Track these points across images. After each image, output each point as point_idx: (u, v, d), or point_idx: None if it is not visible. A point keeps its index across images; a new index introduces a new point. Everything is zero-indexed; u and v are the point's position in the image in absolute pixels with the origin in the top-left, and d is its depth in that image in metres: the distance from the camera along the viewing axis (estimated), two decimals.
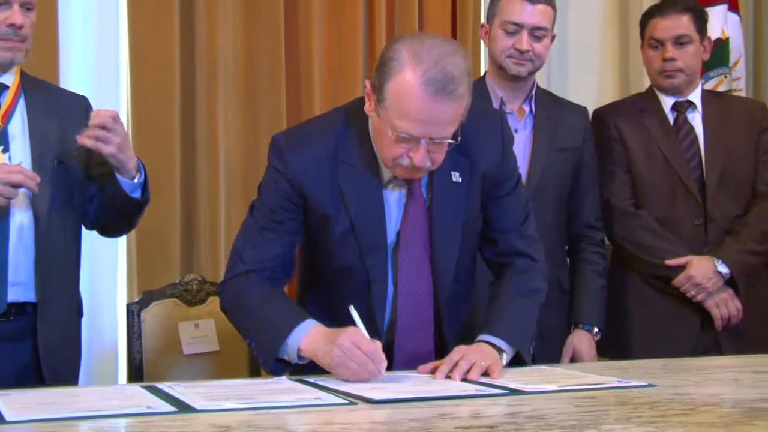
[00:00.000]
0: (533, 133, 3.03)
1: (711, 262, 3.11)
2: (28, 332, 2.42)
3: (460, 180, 2.34)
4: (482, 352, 2.18)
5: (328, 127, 2.35)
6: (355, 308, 2.12)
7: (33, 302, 2.43)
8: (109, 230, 2.70)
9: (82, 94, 2.74)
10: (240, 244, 2.36)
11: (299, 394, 1.84)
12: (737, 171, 3.20)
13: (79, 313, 2.65)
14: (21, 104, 2.49)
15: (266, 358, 2.18)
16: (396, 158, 2.18)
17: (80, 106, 2.63)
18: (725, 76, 4.17)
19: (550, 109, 3.08)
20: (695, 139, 3.23)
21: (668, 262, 3.12)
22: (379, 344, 2.03)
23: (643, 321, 3.19)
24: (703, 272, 3.09)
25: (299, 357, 2.14)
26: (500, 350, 2.23)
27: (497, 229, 2.45)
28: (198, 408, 1.67)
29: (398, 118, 2.12)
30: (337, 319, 2.19)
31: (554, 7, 3.00)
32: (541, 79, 3.15)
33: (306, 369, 2.18)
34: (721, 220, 3.18)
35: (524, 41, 2.93)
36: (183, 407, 1.68)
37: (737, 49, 4.25)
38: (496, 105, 3.03)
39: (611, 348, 3.11)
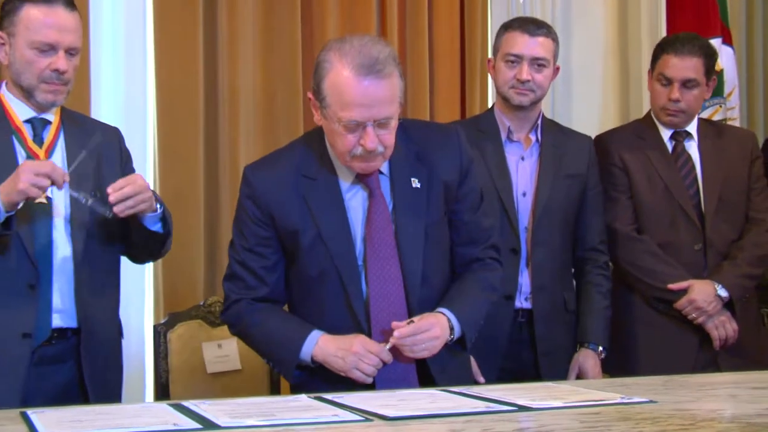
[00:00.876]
0: (539, 161, 3.04)
1: (712, 287, 3.11)
2: (71, 354, 2.45)
3: (419, 186, 2.42)
4: (439, 332, 2.33)
5: (290, 150, 2.50)
6: (334, 313, 2.37)
7: (74, 327, 2.45)
8: (138, 259, 2.76)
9: (113, 125, 2.78)
10: (227, 287, 2.49)
11: (317, 411, 1.84)
12: (732, 197, 3.21)
13: (120, 334, 2.67)
14: (61, 138, 2.52)
15: (286, 374, 2.41)
16: (350, 150, 2.27)
17: (113, 137, 2.69)
18: (720, 106, 4.18)
19: (556, 137, 3.09)
20: (693, 167, 3.23)
21: (671, 286, 3.12)
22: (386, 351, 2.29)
23: (644, 340, 3.19)
24: (704, 296, 3.09)
25: (313, 362, 2.36)
26: (452, 329, 2.38)
27: (462, 243, 2.53)
28: (222, 425, 1.67)
29: (341, 110, 2.23)
30: (319, 326, 2.37)
31: (555, 40, 3.01)
32: (546, 107, 3.16)
33: (320, 384, 2.30)
34: (719, 245, 3.19)
35: (524, 72, 2.94)
36: (207, 424, 1.68)
37: (731, 80, 4.27)
38: (503, 134, 3.05)
39: (614, 366, 3.10)
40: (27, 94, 2.47)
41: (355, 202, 2.40)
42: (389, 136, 2.29)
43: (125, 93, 3.67)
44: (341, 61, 2.23)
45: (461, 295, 2.48)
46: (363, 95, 2.21)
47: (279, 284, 2.47)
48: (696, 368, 3.06)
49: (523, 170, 3.03)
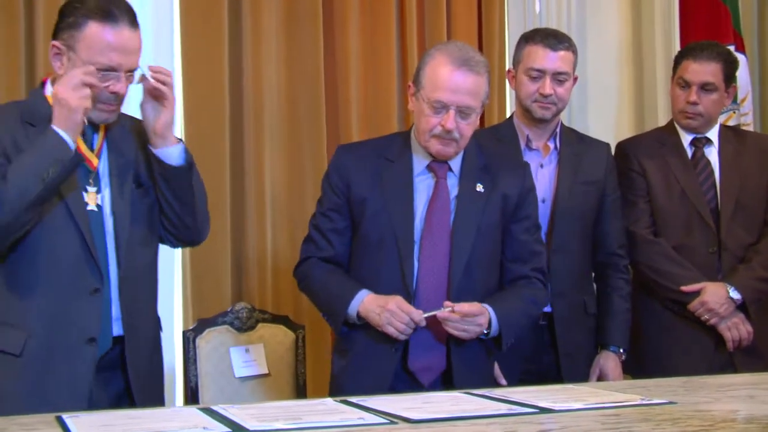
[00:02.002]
0: (558, 168, 3.03)
1: (724, 289, 3.09)
2: (118, 362, 2.41)
3: (482, 191, 2.63)
4: (484, 322, 2.51)
5: (380, 139, 2.85)
6: (387, 278, 2.55)
7: (120, 335, 2.41)
8: (179, 230, 2.55)
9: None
10: (302, 248, 2.74)
11: (343, 414, 1.83)
12: (750, 202, 3.20)
13: (159, 328, 2.63)
14: (105, 143, 2.46)
15: (336, 326, 2.62)
16: (431, 129, 2.53)
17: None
18: (734, 112, 4.16)
19: (574, 145, 3.08)
20: (711, 172, 3.23)
21: (684, 288, 3.11)
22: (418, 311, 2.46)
23: (661, 342, 3.18)
24: (716, 298, 3.08)
25: (358, 318, 2.55)
26: (489, 326, 2.54)
27: (513, 259, 2.70)
28: (250, 428, 1.67)
29: (432, 91, 2.51)
30: (374, 288, 2.57)
31: (575, 52, 3.00)
32: (562, 116, 3.15)
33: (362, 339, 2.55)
34: (734, 249, 3.18)
35: (547, 86, 2.93)
36: (236, 428, 1.68)
37: (745, 87, 4.24)
38: (522, 143, 3.06)
39: (633, 367, 3.08)
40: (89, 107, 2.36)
41: (423, 185, 2.62)
42: (467, 127, 2.56)
43: None
44: (442, 53, 2.55)
45: (506, 299, 2.63)
46: (453, 81, 2.50)
47: (344, 249, 2.68)
48: (713, 369, 3.03)
49: (542, 177, 3.02)
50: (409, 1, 4.04)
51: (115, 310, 2.39)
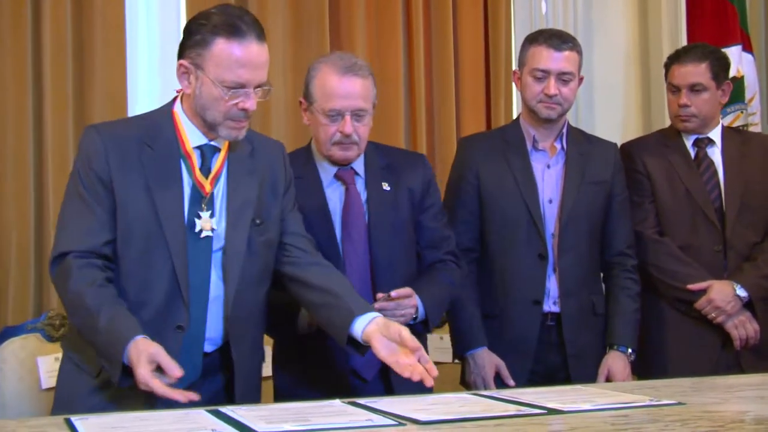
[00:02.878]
0: (565, 168, 3.02)
1: (730, 287, 3.09)
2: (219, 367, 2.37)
3: (389, 189, 2.73)
4: (416, 303, 2.60)
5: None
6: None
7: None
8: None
9: (278, 140, 2.64)
10: None
11: (351, 416, 1.83)
12: (754, 202, 3.20)
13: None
14: (226, 167, 2.36)
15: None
16: (331, 137, 2.61)
17: (277, 154, 2.52)
18: (741, 112, 4.15)
19: (581, 145, 3.08)
20: (715, 172, 3.23)
21: (690, 286, 3.11)
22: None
23: (667, 341, 3.17)
24: (722, 296, 3.07)
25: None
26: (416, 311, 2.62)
27: (426, 246, 2.81)
28: (259, 430, 1.67)
29: (325, 102, 2.60)
30: None
31: (579, 52, 2.99)
32: (568, 116, 3.14)
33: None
34: (740, 248, 3.17)
35: (552, 86, 2.93)
36: (245, 430, 1.68)
37: (752, 86, 4.23)
38: (529, 143, 3.05)
39: (640, 367, 3.07)
40: (208, 126, 2.29)
41: (335, 194, 2.69)
42: (364, 129, 2.65)
43: (160, 97, 3.69)
44: (327, 65, 2.64)
45: (428, 283, 2.72)
46: (343, 88, 2.59)
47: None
48: (719, 368, 3.04)
49: (549, 178, 3.01)
50: (416, 5, 4.04)
51: (215, 334, 2.32)
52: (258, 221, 2.36)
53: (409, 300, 2.60)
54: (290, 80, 3.84)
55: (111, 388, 2.19)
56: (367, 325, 2.24)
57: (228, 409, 1.89)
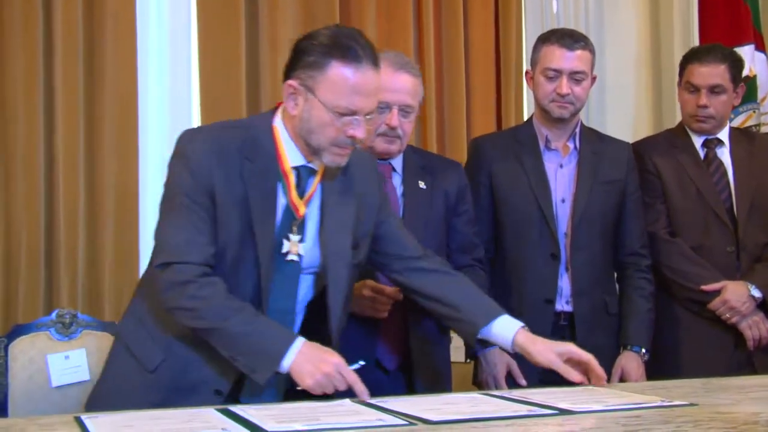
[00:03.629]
0: (578, 168, 3.02)
1: (745, 287, 3.08)
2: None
3: (425, 187, 2.76)
4: None
5: None
6: None
7: None
8: None
9: (368, 153, 2.55)
10: None
11: (362, 416, 1.83)
12: (764, 202, 3.20)
13: None
14: (319, 187, 2.28)
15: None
16: (376, 128, 2.59)
17: (371, 166, 2.44)
18: (754, 111, 4.13)
19: (594, 144, 3.07)
20: (725, 172, 3.22)
21: (704, 287, 3.10)
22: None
23: (680, 342, 3.16)
24: (737, 297, 3.06)
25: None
26: None
27: (456, 249, 2.84)
28: (269, 430, 1.66)
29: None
30: None
31: (592, 51, 2.99)
32: (581, 116, 3.13)
33: None
34: (751, 248, 3.17)
35: (564, 86, 2.92)
36: (255, 429, 1.67)
37: (765, 86, 4.22)
38: (541, 143, 3.05)
39: (652, 367, 3.06)
40: (312, 150, 2.20)
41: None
42: (408, 125, 2.68)
43: (170, 113, 3.73)
44: (381, 59, 2.37)
45: None
46: (395, 83, 2.61)
47: None
48: (731, 369, 3.02)
49: (561, 177, 3.01)
50: (426, 5, 4.04)
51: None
52: (355, 245, 2.31)
53: None
54: None
55: (166, 386, 2.19)
56: (515, 335, 2.31)
57: (238, 408, 1.89)
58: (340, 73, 2.12)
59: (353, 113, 2.14)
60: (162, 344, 2.23)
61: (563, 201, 2.99)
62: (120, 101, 3.56)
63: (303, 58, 2.16)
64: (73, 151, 3.48)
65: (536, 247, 2.96)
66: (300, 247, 2.23)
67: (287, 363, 2.07)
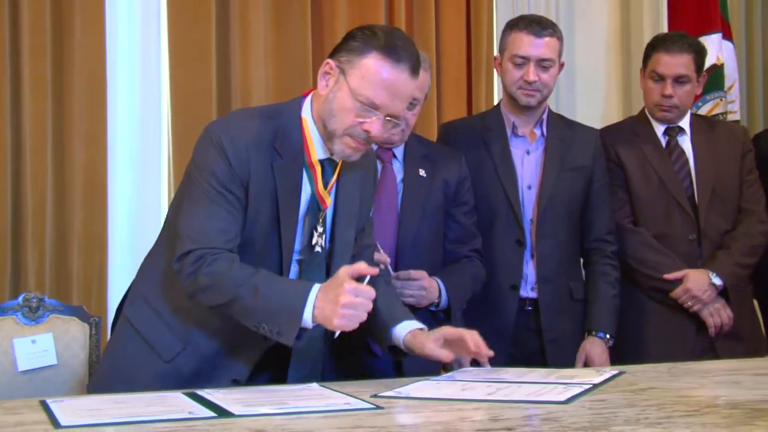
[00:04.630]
0: (545, 154, 3.02)
1: (706, 275, 3.11)
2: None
3: (425, 175, 2.74)
4: (427, 285, 2.64)
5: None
6: None
7: None
8: None
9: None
10: None
11: (329, 399, 1.83)
12: (725, 190, 3.22)
13: None
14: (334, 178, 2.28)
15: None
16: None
17: (372, 165, 2.43)
18: (721, 100, 4.16)
19: (562, 131, 3.07)
20: (686, 161, 3.24)
21: (666, 276, 3.12)
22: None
23: (643, 329, 3.18)
24: (698, 285, 3.09)
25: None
26: (439, 296, 2.66)
27: (454, 240, 2.85)
28: (236, 413, 1.66)
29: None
30: None
31: (560, 38, 2.98)
32: (549, 103, 3.14)
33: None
34: (713, 236, 3.19)
35: (531, 73, 2.92)
36: (222, 412, 1.67)
37: (731, 75, 4.24)
38: (509, 129, 3.05)
39: (615, 354, 3.09)
40: (326, 135, 2.17)
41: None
42: (413, 117, 2.71)
43: (140, 95, 3.69)
44: None
45: (453, 273, 2.74)
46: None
47: None
48: (694, 355, 3.04)
49: (528, 164, 3.02)
50: None
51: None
52: (355, 237, 2.32)
53: (418, 282, 2.64)
54: (271, 69, 3.81)
55: (181, 375, 2.16)
56: (405, 336, 2.21)
57: (205, 392, 1.89)
58: (375, 64, 2.10)
59: (375, 107, 2.11)
60: (181, 336, 2.20)
61: (530, 188, 3.00)
62: (88, 86, 3.52)
63: (350, 42, 2.15)
64: (41, 135, 3.44)
65: (502, 233, 2.97)
66: (323, 240, 2.23)
67: (308, 315, 2.02)
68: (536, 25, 2.95)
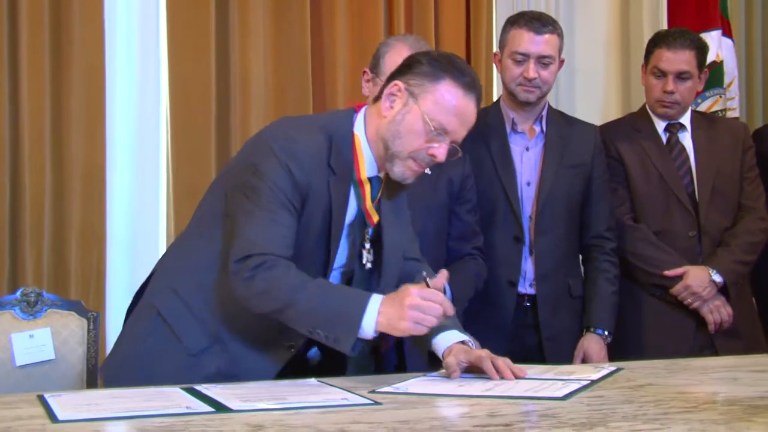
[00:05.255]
0: (544, 151, 3.02)
1: (706, 272, 3.10)
2: None
3: (430, 173, 2.36)
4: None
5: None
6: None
7: None
8: None
9: None
10: None
11: (327, 395, 1.83)
12: (725, 187, 3.22)
13: None
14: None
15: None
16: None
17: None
18: (720, 96, 4.16)
19: (561, 127, 3.07)
20: (687, 157, 3.24)
21: (666, 272, 3.12)
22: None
23: (643, 326, 3.18)
24: (699, 281, 3.09)
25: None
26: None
27: (456, 237, 2.87)
28: (234, 408, 1.66)
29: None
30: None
31: (560, 35, 2.98)
32: (549, 99, 3.14)
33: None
34: (713, 232, 3.19)
35: (531, 70, 2.92)
36: (220, 407, 1.67)
37: (731, 71, 4.24)
38: (508, 126, 3.05)
39: (615, 351, 3.09)
40: (387, 157, 2.17)
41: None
42: None
43: (139, 90, 3.68)
44: (403, 47, 2.64)
45: (455, 273, 2.57)
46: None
47: None
48: (693, 352, 3.05)
49: (527, 160, 3.02)
50: None
51: None
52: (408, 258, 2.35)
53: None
54: (270, 65, 3.80)
55: (204, 371, 2.15)
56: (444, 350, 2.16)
57: (203, 387, 1.89)
58: (449, 91, 2.12)
59: (445, 133, 2.13)
60: (211, 332, 2.19)
61: (528, 184, 3.00)
62: (87, 81, 3.52)
63: (417, 66, 2.16)
64: (39, 130, 3.44)
65: (500, 229, 2.97)
66: (365, 258, 2.24)
67: (369, 325, 2.00)
68: (537, 21, 2.94)
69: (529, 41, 2.92)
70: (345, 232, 2.20)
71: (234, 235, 2.11)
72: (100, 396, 1.81)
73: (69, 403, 1.71)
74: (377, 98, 2.21)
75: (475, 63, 4.19)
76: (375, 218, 2.23)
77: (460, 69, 2.16)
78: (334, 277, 2.22)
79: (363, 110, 2.24)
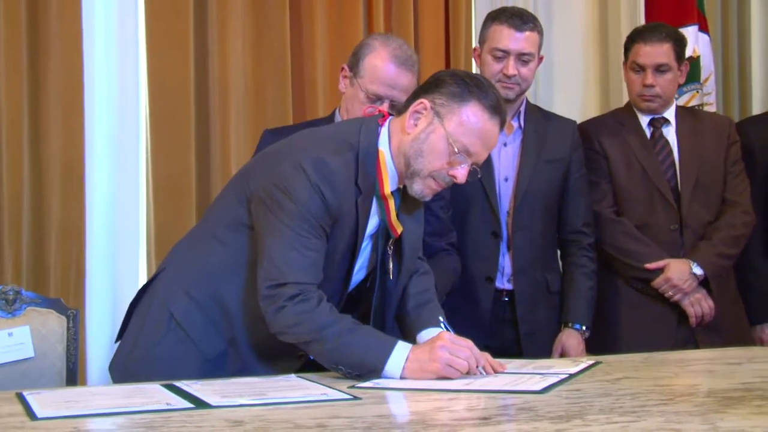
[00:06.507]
0: (521, 146, 3.03)
1: (687, 265, 3.12)
2: None
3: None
4: None
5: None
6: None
7: None
8: None
9: None
10: None
11: (307, 390, 1.84)
12: (708, 181, 3.23)
13: None
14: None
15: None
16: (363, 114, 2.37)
17: None
18: (697, 92, 4.18)
19: (539, 122, 3.08)
20: (670, 152, 3.25)
21: (648, 265, 3.13)
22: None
23: (624, 319, 3.19)
24: (679, 274, 3.10)
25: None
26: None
27: (432, 233, 2.82)
28: (213, 404, 1.66)
29: (370, 83, 2.61)
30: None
31: (540, 32, 2.98)
32: (528, 94, 3.14)
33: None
34: (695, 226, 3.20)
35: (510, 67, 2.92)
36: (199, 404, 1.67)
37: (708, 67, 4.26)
38: None
39: (596, 345, 3.11)
40: (408, 173, 2.17)
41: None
42: None
43: (118, 84, 3.64)
44: (385, 49, 2.65)
45: (433, 268, 2.56)
46: (393, 79, 2.63)
47: None
48: (675, 345, 3.06)
49: (505, 156, 3.02)
50: None
51: None
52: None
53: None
54: (249, 56, 3.78)
55: (224, 369, 2.15)
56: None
57: (183, 384, 1.89)
58: (476, 113, 2.12)
59: (468, 155, 2.13)
60: (226, 336, 2.18)
61: (506, 180, 3.00)
62: (65, 76, 3.49)
63: (444, 85, 2.16)
64: (17, 125, 3.40)
65: (478, 225, 2.98)
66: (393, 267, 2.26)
67: (393, 371, 1.99)
68: (517, 18, 2.94)
69: (510, 38, 2.93)
70: (365, 245, 2.22)
71: (263, 255, 2.09)
72: (80, 393, 1.81)
73: (48, 401, 1.70)
74: (401, 112, 2.22)
75: (454, 59, 4.20)
76: (399, 230, 2.23)
77: (486, 91, 2.15)
78: (355, 282, 2.25)
79: (387, 123, 2.23)
